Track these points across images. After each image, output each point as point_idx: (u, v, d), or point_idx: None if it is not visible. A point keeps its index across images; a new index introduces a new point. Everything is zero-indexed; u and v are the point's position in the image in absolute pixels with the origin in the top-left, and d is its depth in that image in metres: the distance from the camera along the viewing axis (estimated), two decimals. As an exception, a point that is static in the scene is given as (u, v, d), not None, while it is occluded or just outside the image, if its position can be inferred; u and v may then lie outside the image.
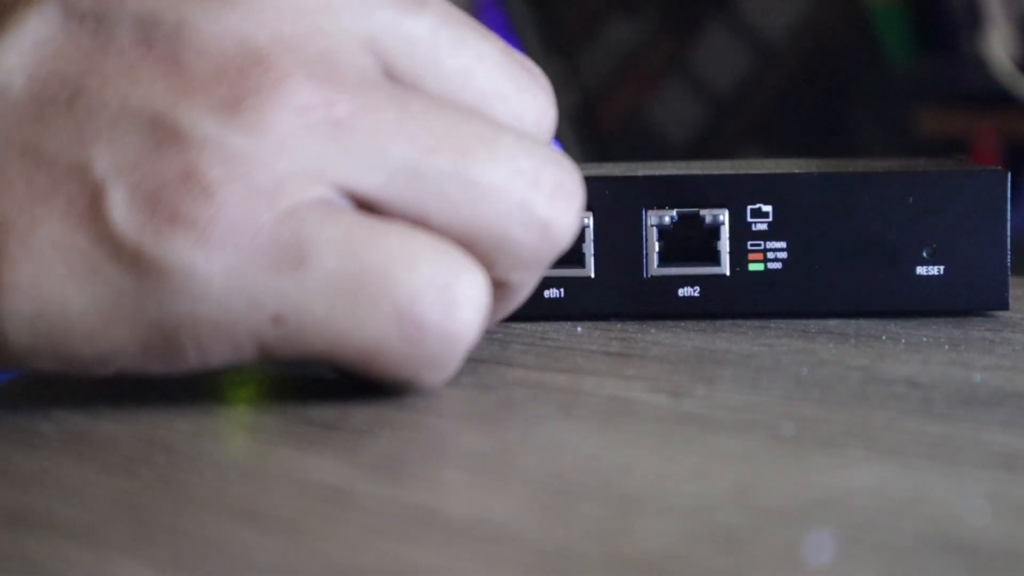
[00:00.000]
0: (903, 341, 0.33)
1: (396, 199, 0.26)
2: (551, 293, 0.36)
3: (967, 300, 0.35)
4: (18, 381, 0.31)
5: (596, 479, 0.23)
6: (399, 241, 0.25)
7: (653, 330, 0.34)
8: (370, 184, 0.26)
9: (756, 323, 0.35)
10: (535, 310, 0.35)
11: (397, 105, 0.26)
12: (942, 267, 0.35)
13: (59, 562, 0.19)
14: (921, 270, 0.35)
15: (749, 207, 0.35)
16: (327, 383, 0.29)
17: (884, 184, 0.35)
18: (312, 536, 0.20)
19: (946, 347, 0.32)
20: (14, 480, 0.23)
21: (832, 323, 0.35)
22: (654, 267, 0.35)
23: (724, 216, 0.35)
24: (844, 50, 1.68)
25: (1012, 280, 0.35)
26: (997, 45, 1.45)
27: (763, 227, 0.35)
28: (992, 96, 1.48)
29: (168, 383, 0.28)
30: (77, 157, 0.25)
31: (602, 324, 0.35)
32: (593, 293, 0.36)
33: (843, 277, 0.35)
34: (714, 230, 0.35)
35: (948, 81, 1.56)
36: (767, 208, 0.35)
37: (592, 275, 0.35)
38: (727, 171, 0.36)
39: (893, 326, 0.34)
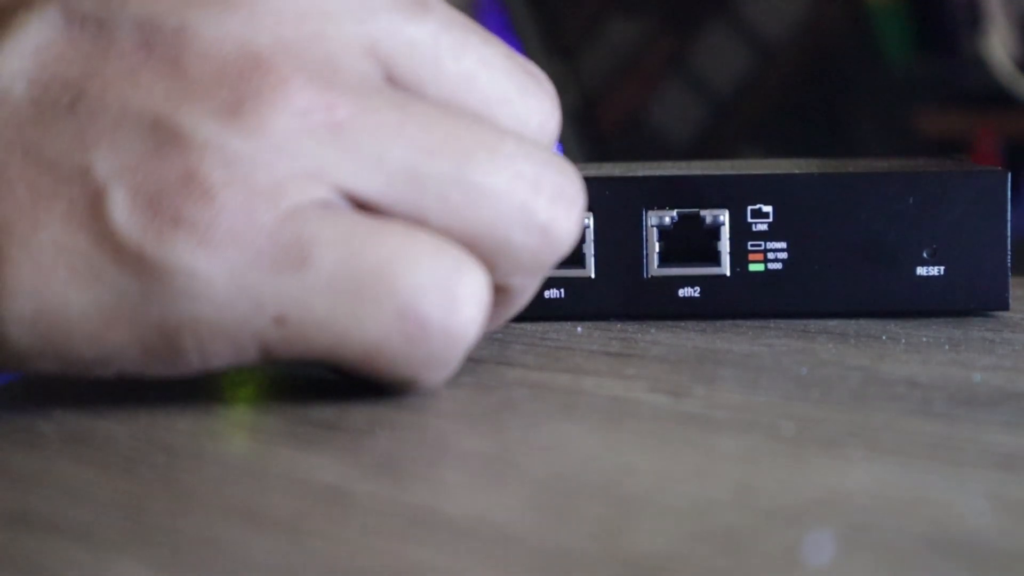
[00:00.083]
0: (903, 341, 0.33)
1: (396, 202, 0.26)
2: (551, 293, 0.36)
3: (967, 300, 0.35)
4: (18, 381, 0.31)
5: (596, 479, 0.23)
6: (400, 240, 0.25)
7: (653, 330, 0.34)
8: (370, 186, 0.26)
9: (756, 323, 0.35)
10: (535, 310, 0.35)
11: (397, 108, 0.26)
12: (942, 267, 0.35)
13: (59, 562, 0.19)
14: (921, 270, 0.35)
15: (749, 207, 0.35)
16: (327, 383, 0.29)
17: (884, 184, 0.35)
18: (312, 536, 0.20)
19: (946, 347, 0.32)
20: (14, 480, 0.23)
21: (832, 323, 0.35)
22: (654, 267, 0.35)
23: (724, 216, 0.35)
24: (844, 50, 1.68)
25: (1012, 280, 0.35)
26: (997, 45, 1.45)
27: (763, 227, 0.35)
28: (992, 96, 1.48)
29: (168, 383, 0.28)
30: (78, 160, 0.25)
31: (602, 324, 0.35)
32: (593, 293, 0.36)
33: (843, 277, 0.35)
34: (714, 230, 0.35)
35: (948, 81, 1.56)
36: (767, 208, 0.35)
37: (592, 275, 0.35)
38: (727, 171, 0.36)
39: (893, 326, 0.34)
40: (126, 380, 0.27)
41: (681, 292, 0.35)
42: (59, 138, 0.25)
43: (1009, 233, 0.35)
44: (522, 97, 0.28)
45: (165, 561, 0.19)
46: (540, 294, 0.35)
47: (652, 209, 0.35)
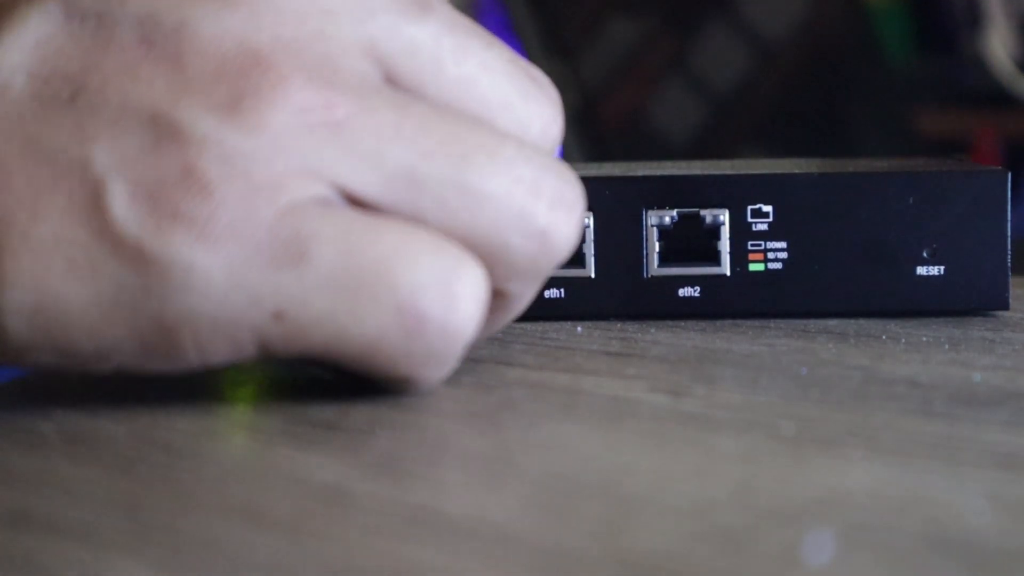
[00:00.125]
0: (903, 341, 0.33)
1: (394, 202, 0.26)
2: (551, 293, 0.36)
3: (967, 300, 0.35)
4: (18, 381, 0.31)
5: (596, 479, 0.23)
6: (399, 237, 0.25)
7: (653, 330, 0.34)
8: (368, 186, 0.26)
9: (756, 323, 0.35)
10: (535, 310, 0.35)
11: (397, 109, 0.26)
12: (942, 267, 0.35)
13: (59, 562, 0.19)
14: (921, 270, 0.35)
15: (749, 207, 0.35)
16: (327, 383, 0.29)
17: (885, 184, 0.35)
18: (312, 536, 0.20)
19: (946, 347, 0.32)
20: (14, 480, 0.23)
21: (832, 323, 0.35)
22: (654, 267, 0.35)
23: (724, 216, 0.35)
24: (844, 50, 1.68)
25: (1012, 280, 0.35)
26: (997, 45, 1.45)
27: (763, 227, 0.35)
28: (992, 96, 1.48)
29: (168, 383, 0.28)
30: (78, 153, 0.25)
31: (602, 324, 0.35)
32: (593, 293, 0.36)
33: (843, 277, 0.35)
34: (714, 230, 0.35)
35: (948, 81, 1.56)
36: (767, 208, 0.35)
37: (592, 275, 0.35)
38: (727, 171, 0.36)
39: (893, 326, 0.34)
40: (125, 376, 0.27)
41: (681, 292, 0.35)
42: (59, 131, 0.25)
43: (1009, 233, 0.35)
44: (524, 102, 0.28)
45: (165, 561, 0.19)
46: (540, 294, 0.35)
47: (652, 209, 0.35)
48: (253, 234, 0.25)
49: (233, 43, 0.25)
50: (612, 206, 0.35)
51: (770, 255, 0.35)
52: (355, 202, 0.26)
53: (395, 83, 0.27)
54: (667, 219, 0.35)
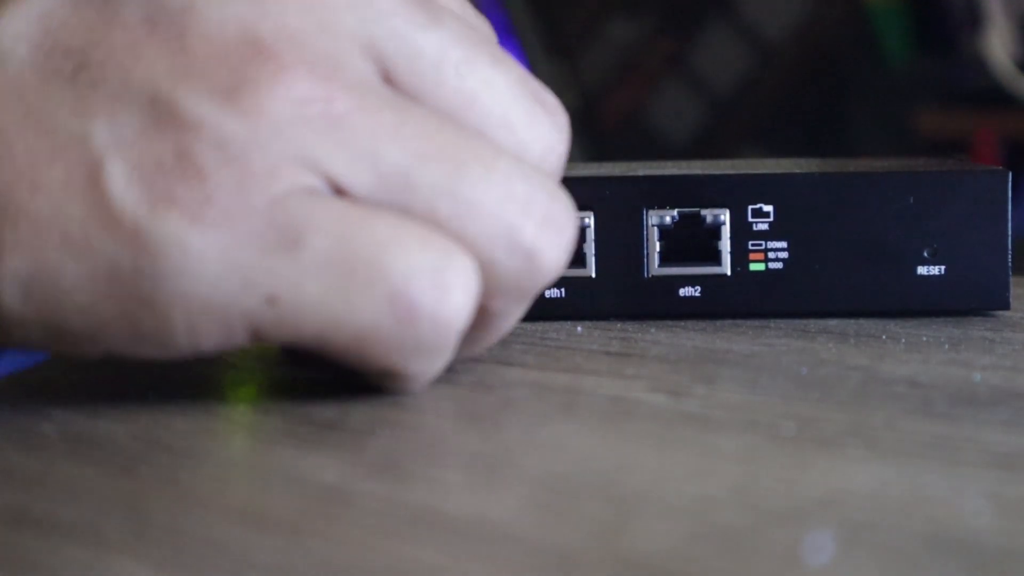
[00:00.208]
0: (903, 341, 0.33)
1: (384, 202, 0.26)
2: (552, 293, 0.36)
3: (968, 300, 0.35)
4: (18, 381, 0.31)
5: (596, 479, 0.23)
6: (391, 227, 0.25)
7: (653, 330, 0.34)
8: (361, 183, 0.26)
9: (756, 323, 0.35)
10: (536, 310, 0.35)
11: (396, 111, 0.26)
12: (943, 267, 0.35)
13: (59, 562, 0.19)
14: (922, 270, 0.35)
15: (750, 207, 0.35)
16: (327, 383, 0.29)
17: (885, 184, 0.35)
18: (312, 536, 0.20)
19: (946, 347, 0.32)
20: (14, 480, 0.23)
21: (832, 323, 0.35)
22: (655, 267, 0.35)
23: (725, 216, 0.35)
24: (844, 50, 1.68)
25: (1013, 280, 0.35)
26: (997, 45, 1.45)
27: (764, 227, 0.35)
28: (992, 96, 1.48)
29: (168, 383, 0.28)
30: (77, 128, 0.25)
31: (602, 324, 0.35)
32: (594, 293, 0.36)
33: (844, 277, 0.35)
34: (715, 230, 0.35)
35: (948, 81, 1.56)
36: (768, 208, 0.35)
37: (593, 275, 0.35)
38: (728, 171, 0.36)
39: (893, 326, 0.34)
40: (126, 378, 0.27)
41: (682, 291, 0.35)
42: (59, 105, 0.25)
43: (1009, 232, 0.35)
44: (527, 124, 0.28)
45: (165, 561, 0.19)
46: (541, 293, 0.35)
47: (653, 208, 0.35)
48: (247, 219, 0.25)
49: (237, 30, 0.26)
50: (613, 206, 0.35)
51: (771, 255, 0.35)
52: (345, 197, 0.26)
53: (393, 86, 0.27)
54: (668, 219, 0.35)
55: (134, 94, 0.25)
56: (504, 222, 0.26)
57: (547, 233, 0.27)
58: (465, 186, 0.26)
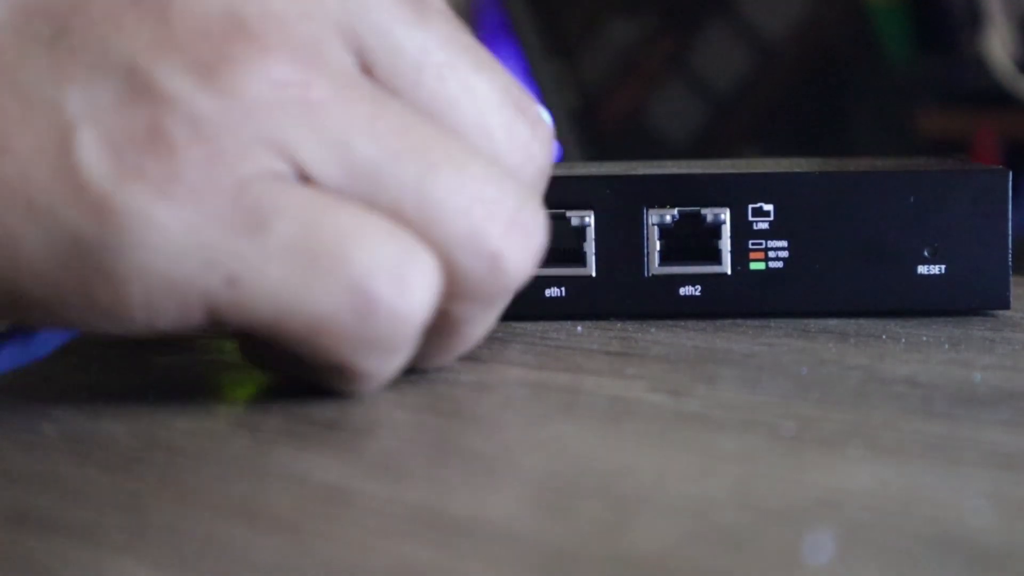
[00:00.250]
0: (903, 340, 0.33)
1: (351, 195, 0.26)
2: (552, 292, 0.36)
3: (968, 299, 0.35)
4: (18, 380, 0.31)
5: (596, 479, 0.23)
6: (357, 217, 0.25)
7: (653, 329, 0.34)
8: (329, 173, 0.25)
9: (756, 323, 0.35)
10: (536, 310, 0.35)
11: (373, 103, 0.26)
12: (943, 266, 0.35)
13: (59, 562, 0.19)
14: (922, 269, 0.35)
15: (750, 206, 0.35)
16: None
17: (885, 183, 0.35)
18: (312, 536, 0.20)
19: (946, 346, 0.32)
20: (14, 480, 0.23)
21: (832, 323, 0.35)
22: (655, 266, 0.35)
23: (725, 215, 0.35)
24: (844, 50, 1.68)
25: (1013, 279, 0.35)
26: (997, 45, 1.45)
27: (764, 226, 0.35)
28: (992, 96, 1.47)
29: (168, 383, 0.28)
30: (51, 94, 0.25)
31: (603, 323, 0.35)
32: (594, 292, 0.36)
33: (844, 276, 0.35)
34: (715, 229, 0.35)
35: (948, 81, 1.56)
36: (768, 207, 0.35)
37: (593, 274, 0.35)
38: (728, 170, 0.36)
39: (893, 325, 0.34)
40: (126, 378, 0.27)
41: (682, 291, 0.35)
42: (35, 69, 0.25)
43: (1010, 232, 0.35)
44: (506, 135, 0.28)
45: (165, 561, 0.19)
46: (540, 293, 0.35)
47: (653, 208, 0.35)
48: (214, 198, 0.25)
49: (222, 8, 0.25)
50: (613, 205, 0.35)
51: (771, 254, 0.35)
52: (311, 183, 0.26)
53: (374, 80, 0.27)
54: (668, 218, 0.35)
55: (112, 64, 0.25)
56: (469, 224, 0.26)
57: (514, 238, 0.27)
58: (434, 185, 0.26)
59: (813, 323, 0.35)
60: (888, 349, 0.32)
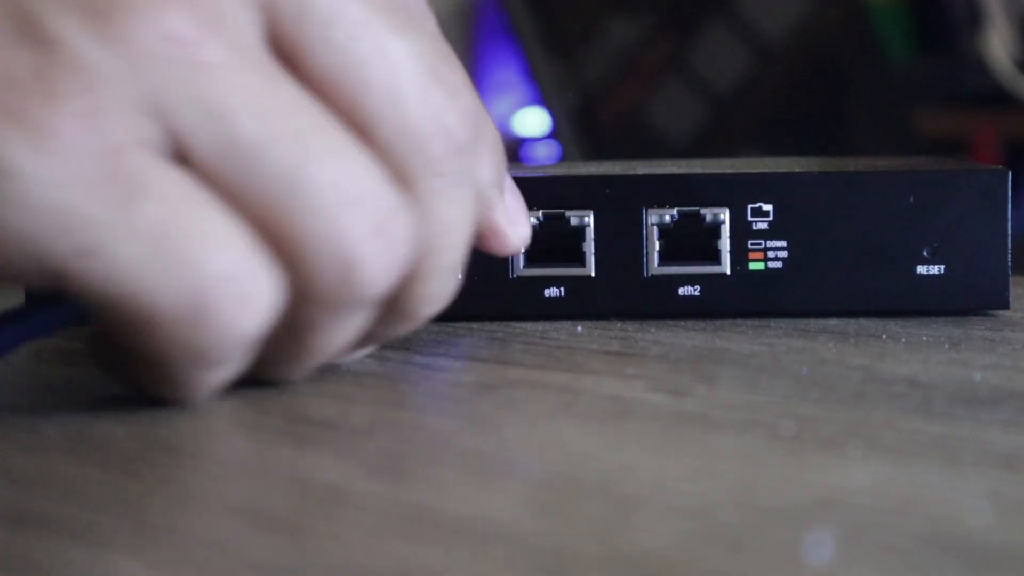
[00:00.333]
0: (903, 340, 0.33)
1: (220, 171, 0.24)
2: (551, 292, 0.36)
3: (967, 299, 0.35)
4: (18, 380, 0.31)
5: (596, 478, 0.23)
6: (216, 221, 0.24)
7: (653, 329, 0.34)
8: (204, 146, 0.24)
9: (756, 322, 0.35)
10: (535, 310, 0.36)
11: (265, 78, 0.25)
12: (942, 266, 0.35)
13: (59, 562, 0.19)
14: (921, 269, 0.35)
15: (750, 206, 0.35)
16: (327, 383, 0.29)
17: (885, 183, 0.35)
18: (312, 536, 0.20)
19: (946, 346, 0.32)
20: (14, 480, 0.23)
21: (832, 322, 0.35)
22: (654, 266, 0.35)
23: (725, 215, 0.35)
24: (844, 50, 1.68)
25: (1012, 279, 0.35)
26: (997, 45, 1.45)
27: (763, 226, 0.35)
28: (992, 96, 1.48)
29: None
30: None
31: (602, 323, 0.35)
32: (593, 292, 0.36)
33: (844, 276, 0.35)
34: (714, 229, 0.35)
35: (948, 81, 1.56)
36: (767, 207, 0.35)
37: (592, 274, 0.35)
38: (727, 170, 0.36)
39: (893, 325, 0.34)
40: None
41: (681, 291, 0.35)
42: None
43: (1010, 232, 0.35)
44: (416, 103, 0.26)
45: (165, 561, 0.19)
46: (540, 293, 0.35)
47: (652, 208, 0.35)
48: (85, 160, 0.24)
49: None
50: (612, 205, 0.35)
51: (770, 254, 0.35)
52: (183, 157, 0.24)
53: (279, 44, 0.25)
54: (667, 218, 0.35)
55: (4, 2, 0.24)
56: (330, 224, 0.25)
57: (377, 244, 0.25)
58: (305, 178, 0.25)
59: (813, 323, 0.35)
60: (888, 349, 0.32)
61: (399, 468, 0.24)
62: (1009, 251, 0.35)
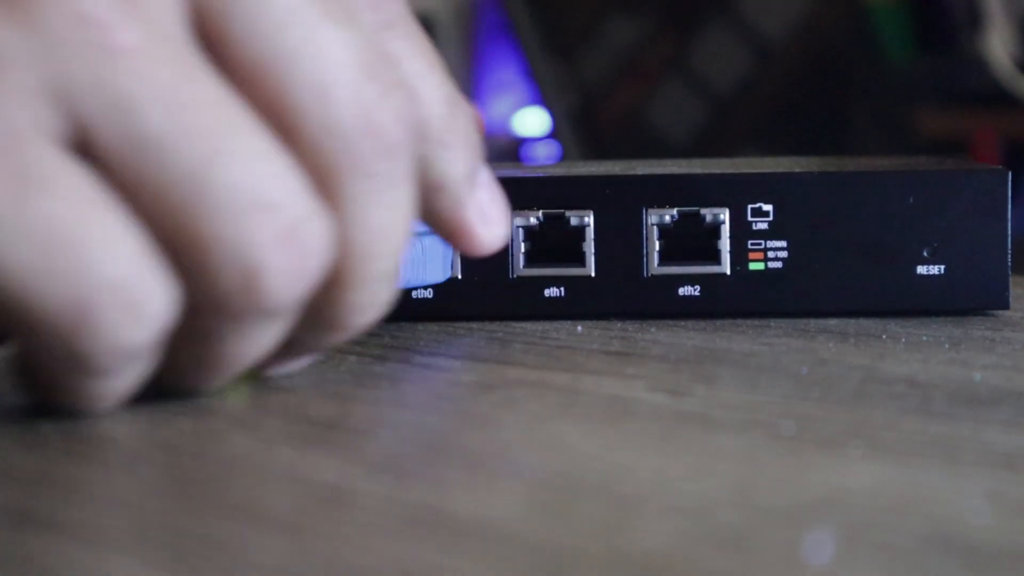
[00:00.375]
0: (903, 340, 0.33)
1: (122, 165, 0.23)
2: (551, 292, 0.36)
3: (967, 299, 0.35)
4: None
5: (596, 478, 0.23)
6: (112, 227, 0.23)
7: (653, 329, 0.34)
8: (108, 138, 0.23)
9: (756, 322, 0.35)
10: (535, 310, 0.36)
11: (180, 69, 0.23)
12: (942, 266, 0.35)
13: (59, 562, 0.19)
14: (921, 269, 0.35)
15: (749, 206, 0.35)
16: (327, 383, 0.29)
17: (885, 183, 0.35)
18: (312, 536, 0.20)
19: (946, 346, 0.32)
20: (14, 480, 0.23)
21: (832, 322, 0.35)
22: (654, 266, 0.35)
23: (724, 215, 0.35)
24: (844, 50, 1.68)
25: (1012, 279, 0.35)
26: (997, 45, 1.45)
27: (763, 226, 0.35)
28: (992, 96, 1.48)
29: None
30: None
31: (602, 323, 0.35)
32: (593, 292, 0.36)
33: (843, 276, 0.35)
34: (714, 229, 0.35)
35: (948, 81, 1.56)
36: (767, 207, 0.35)
37: (592, 274, 0.35)
38: (727, 170, 0.36)
39: (893, 325, 0.34)
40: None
41: (681, 291, 0.35)
42: None
43: (1010, 232, 0.35)
44: (346, 99, 0.24)
45: (165, 561, 0.19)
46: (540, 293, 0.35)
47: (652, 207, 0.35)
48: None
49: None
50: (612, 205, 0.35)
51: (770, 254, 0.35)
52: (85, 147, 0.23)
53: (205, 35, 0.24)
54: (667, 218, 0.35)
55: None
56: (233, 228, 0.23)
57: (282, 254, 0.24)
58: (211, 177, 0.23)
59: (813, 323, 0.35)
60: (888, 349, 0.32)
61: (399, 468, 0.24)
62: (1009, 251, 0.35)
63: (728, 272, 0.35)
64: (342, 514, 0.21)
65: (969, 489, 0.21)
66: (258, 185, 0.24)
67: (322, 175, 0.25)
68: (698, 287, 0.35)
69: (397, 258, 0.26)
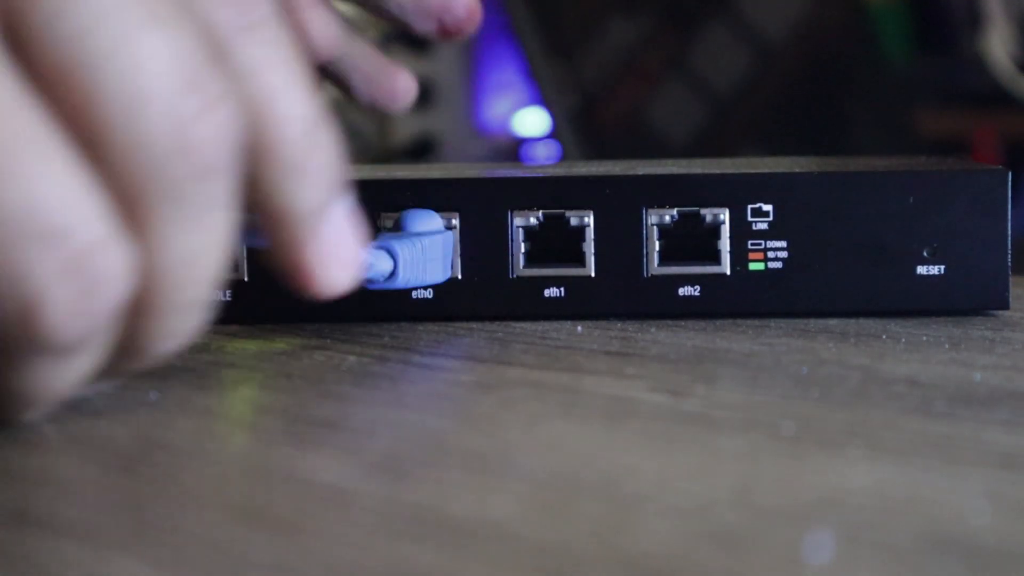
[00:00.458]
0: (903, 340, 0.33)
1: None
2: (551, 292, 0.36)
3: (967, 299, 0.35)
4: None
5: (596, 478, 0.23)
6: None
7: (653, 329, 0.34)
8: None
9: (756, 322, 0.35)
10: (535, 310, 0.36)
11: None
12: (942, 266, 0.35)
13: (59, 562, 0.19)
14: (921, 269, 0.35)
15: (749, 206, 0.35)
16: (327, 383, 0.29)
17: (885, 183, 0.35)
18: (312, 535, 0.20)
19: (946, 346, 0.32)
20: (14, 480, 0.23)
21: (832, 322, 0.35)
22: (654, 266, 0.35)
23: (724, 215, 0.35)
24: (844, 50, 1.68)
25: (1012, 279, 0.35)
26: (997, 45, 1.45)
27: (763, 226, 0.35)
28: (992, 96, 1.48)
29: (168, 383, 0.28)
30: None
31: (602, 323, 0.35)
32: (593, 292, 0.36)
33: (843, 276, 0.35)
34: (714, 229, 0.35)
35: (948, 81, 1.56)
36: (767, 207, 0.35)
37: (592, 274, 0.35)
38: (727, 170, 0.36)
39: (893, 325, 0.34)
40: (126, 378, 0.27)
41: (681, 291, 0.35)
42: None
43: (1009, 232, 0.35)
44: (159, 110, 0.22)
45: (165, 561, 0.19)
46: (540, 293, 0.35)
47: (652, 208, 0.35)
48: None
49: None
50: (612, 205, 0.35)
51: (770, 254, 0.35)
52: None
53: (11, 34, 0.21)
54: (667, 218, 0.35)
55: None
56: (10, 257, 0.21)
57: (68, 285, 0.21)
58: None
59: (813, 323, 0.35)
60: (888, 349, 0.32)
61: (399, 468, 0.24)
62: (1009, 251, 0.35)
63: (728, 272, 0.35)
64: (342, 514, 0.21)
65: (969, 489, 0.21)
66: (43, 209, 0.21)
67: (128, 195, 0.22)
68: (698, 287, 0.35)
69: (207, 286, 0.24)
